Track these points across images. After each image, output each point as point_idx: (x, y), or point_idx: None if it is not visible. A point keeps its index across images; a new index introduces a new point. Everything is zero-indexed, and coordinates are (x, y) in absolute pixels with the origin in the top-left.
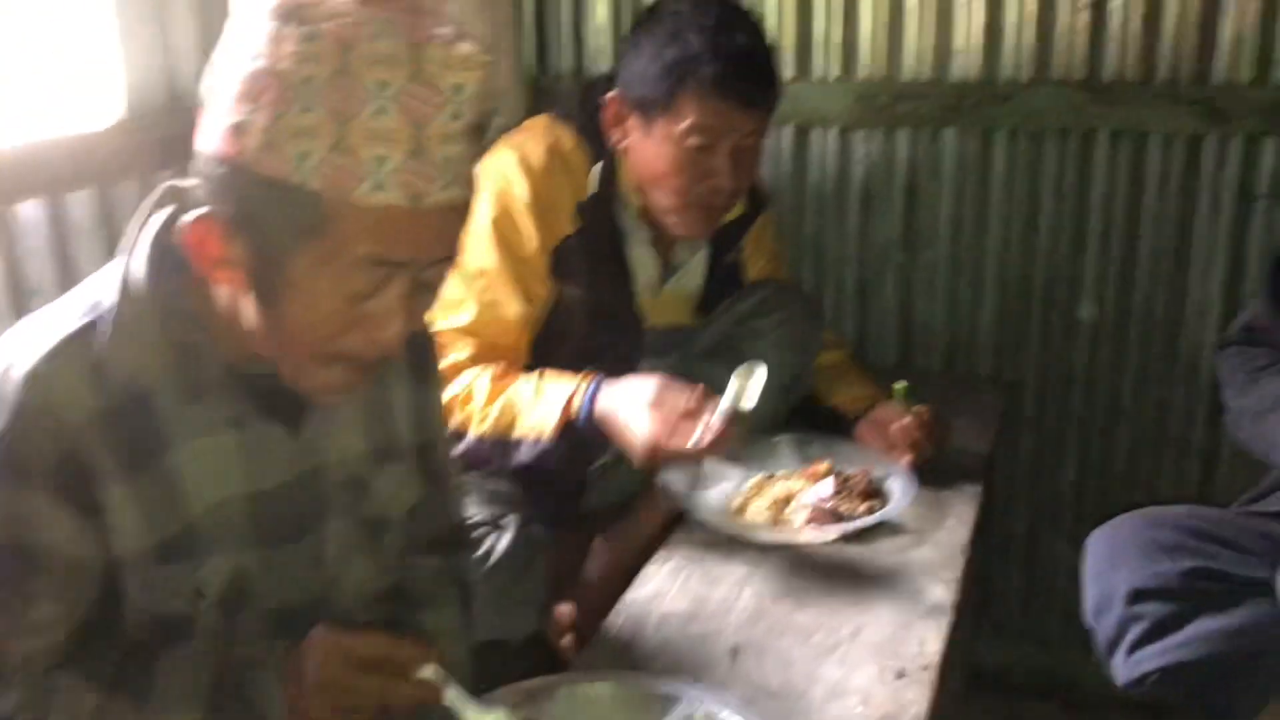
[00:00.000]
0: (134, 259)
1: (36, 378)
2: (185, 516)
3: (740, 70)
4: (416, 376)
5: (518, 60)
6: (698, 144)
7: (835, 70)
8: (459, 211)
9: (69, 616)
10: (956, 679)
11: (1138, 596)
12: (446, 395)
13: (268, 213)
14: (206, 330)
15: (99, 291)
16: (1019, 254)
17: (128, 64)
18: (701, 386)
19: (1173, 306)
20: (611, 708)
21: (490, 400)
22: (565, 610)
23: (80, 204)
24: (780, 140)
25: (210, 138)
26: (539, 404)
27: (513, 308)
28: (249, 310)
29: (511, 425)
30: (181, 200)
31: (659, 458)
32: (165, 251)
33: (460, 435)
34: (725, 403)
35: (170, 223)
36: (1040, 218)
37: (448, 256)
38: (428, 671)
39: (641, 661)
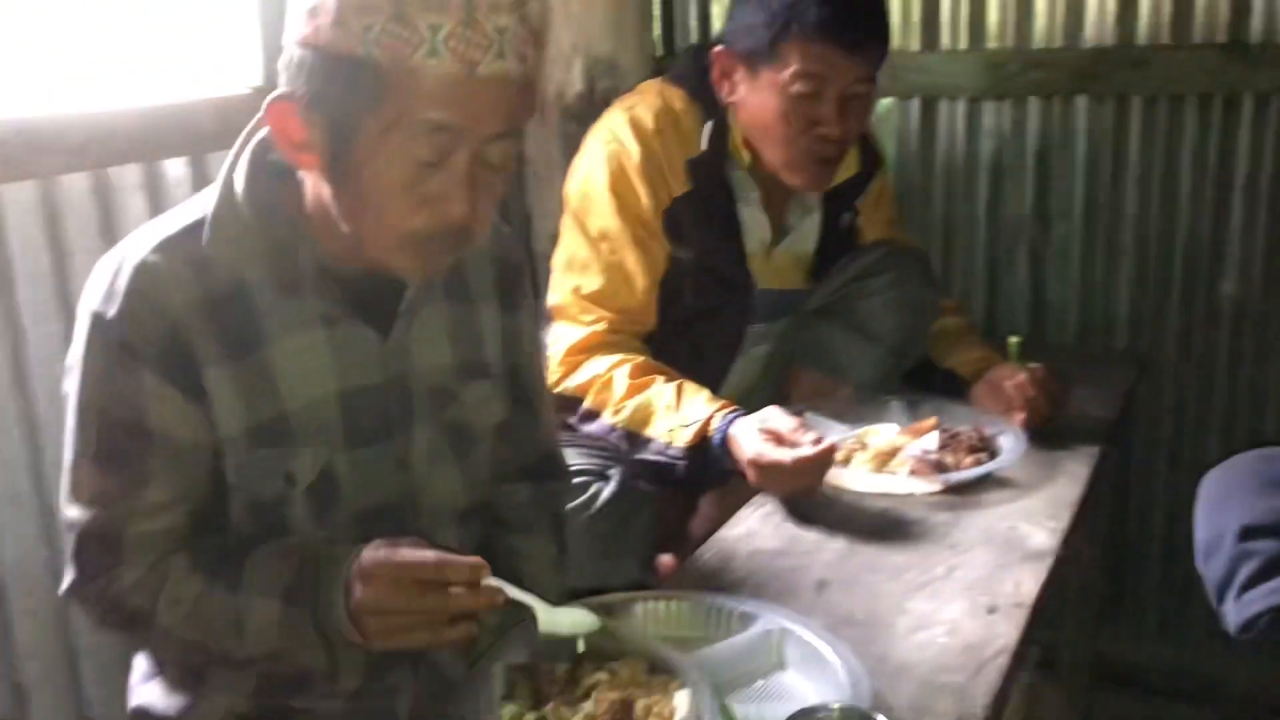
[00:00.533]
0: (236, 167)
1: (145, 266)
2: (279, 406)
3: (844, 15)
4: (505, 303)
5: (644, 38)
6: (803, 91)
7: (963, 41)
8: (514, 85)
9: (182, 500)
10: (1083, 674)
11: (1249, 534)
12: (586, 374)
13: (338, 87)
14: (300, 231)
15: (206, 198)
16: (1157, 227)
17: (264, 32)
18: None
19: None
20: (689, 623)
21: (629, 394)
22: (668, 562)
23: (221, 164)
24: (907, 114)
25: (293, 27)
26: (676, 413)
27: (638, 268)
28: (330, 192)
29: (645, 423)
30: None
31: (760, 470)
32: (264, 161)
33: (593, 416)
34: (832, 435)
35: (269, 138)
36: (1180, 188)
37: (506, 132)
38: (486, 579)
39: (726, 589)
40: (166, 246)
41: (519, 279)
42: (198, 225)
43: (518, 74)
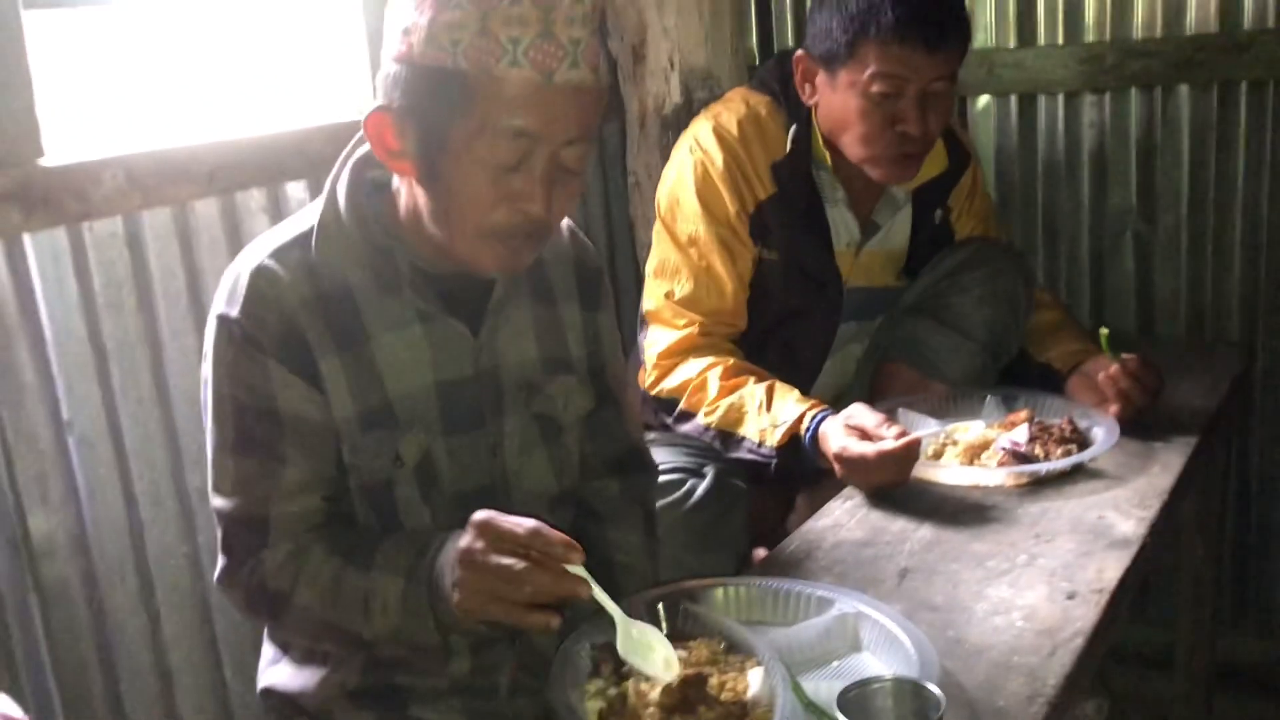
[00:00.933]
0: (339, 181)
1: (262, 270)
2: (383, 394)
3: (920, 14)
4: (586, 303)
5: (739, 43)
6: (883, 91)
7: (1060, 35)
8: (588, 94)
9: (316, 483)
10: (1203, 674)
11: None
12: (680, 377)
13: (429, 97)
14: (397, 237)
15: (313, 211)
16: (1268, 215)
17: (372, 60)
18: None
19: None
20: (769, 607)
21: (721, 395)
22: (763, 555)
23: None
24: (1004, 110)
25: (389, 46)
26: (768, 414)
27: (726, 272)
28: (421, 196)
29: (738, 423)
30: None
31: (845, 464)
32: (362, 177)
33: (688, 416)
34: (921, 430)
35: (367, 156)
36: None
37: (581, 137)
38: (577, 567)
39: (810, 577)
40: (279, 254)
41: (598, 282)
42: (306, 235)
43: (591, 83)
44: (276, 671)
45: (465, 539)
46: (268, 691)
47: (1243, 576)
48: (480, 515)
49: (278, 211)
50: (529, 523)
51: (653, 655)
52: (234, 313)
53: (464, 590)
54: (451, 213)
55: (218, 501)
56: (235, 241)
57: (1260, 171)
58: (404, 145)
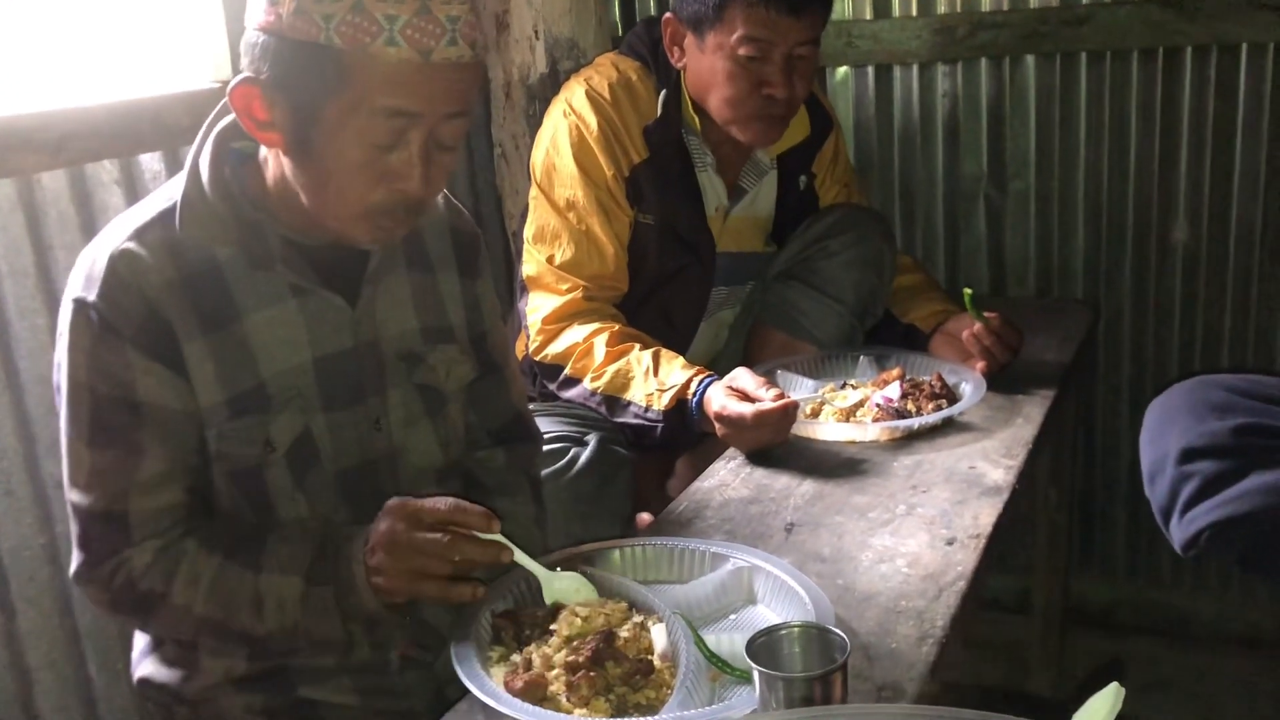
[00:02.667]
0: (201, 154)
1: (121, 253)
2: (256, 376)
3: None
4: (464, 271)
5: (603, 18)
6: (749, 54)
7: (914, 8)
8: (466, 70)
9: (177, 475)
10: (1056, 615)
11: (1189, 456)
12: (565, 343)
13: (300, 72)
14: (266, 210)
15: (173, 187)
16: (1109, 179)
17: (228, 26)
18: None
19: (1273, 226)
20: (664, 566)
21: (608, 361)
22: (646, 519)
23: None
24: (862, 81)
25: (253, 12)
26: (654, 379)
27: (605, 235)
28: (292, 169)
29: (624, 388)
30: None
31: (725, 424)
32: (226, 148)
33: (574, 382)
34: (799, 391)
35: (229, 127)
36: (1129, 141)
37: (459, 112)
38: (495, 534)
39: (700, 535)
40: (140, 233)
41: (476, 248)
42: (169, 212)
43: (469, 58)
44: (151, 663)
45: (384, 523)
46: (144, 681)
47: (1088, 524)
48: (394, 500)
49: (131, 184)
50: (448, 500)
51: (579, 596)
52: (91, 297)
53: (388, 574)
54: (327, 189)
55: (74, 495)
56: (86, 216)
57: (1100, 137)
58: (273, 117)
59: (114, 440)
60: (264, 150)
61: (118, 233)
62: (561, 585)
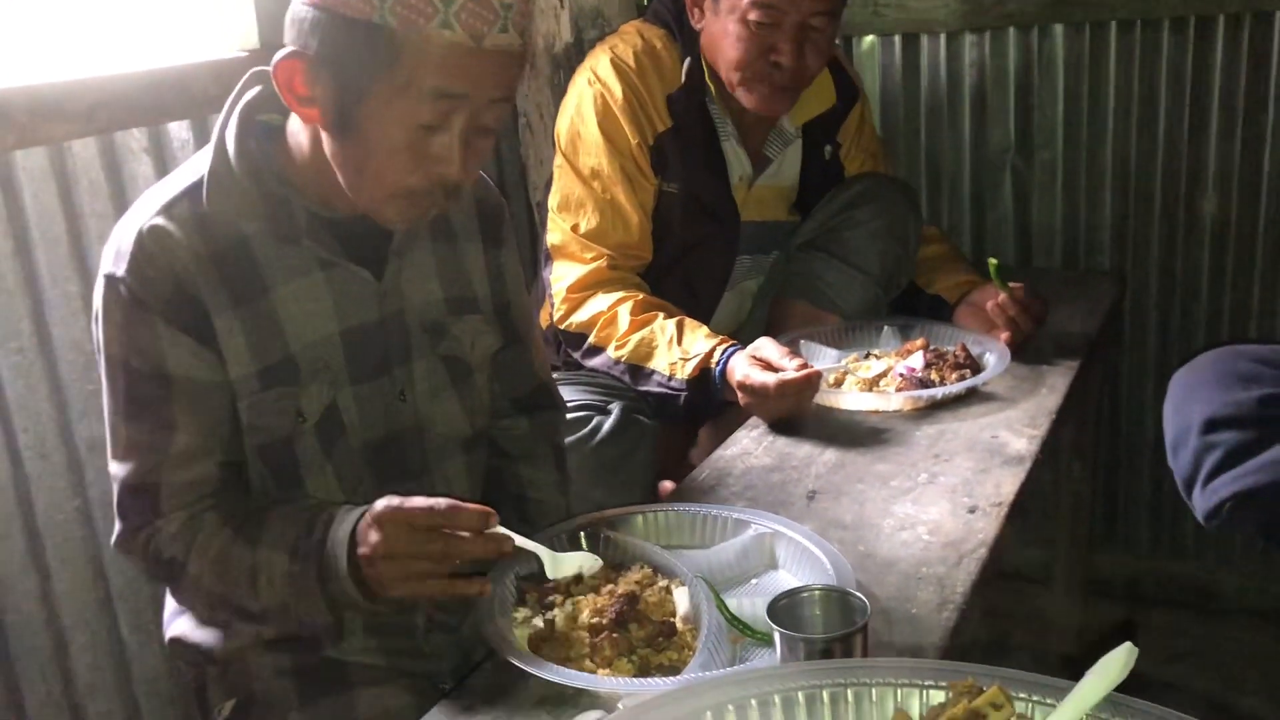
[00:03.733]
0: (228, 128)
1: (152, 229)
2: (285, 348)
3: None
4: (489, 240)
5: None
6: (759, 19)
7: None
8: (514, 57)
9: (209, 448)
10: (1077, 587)
11: (1211, 426)
12: (590, 311)
13: (350, 50)
14: (292, 183)
15: (201, 161)
16: (1137, 150)
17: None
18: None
19: None
20: (686, 532)
21: (632, 329)
22: (669, 488)
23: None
24: (889, 50)
25: None
26: (678, 348)
27: (630, 204)
28: (330, 145)
29: (648, 357)
30: (265, 81)
31: (748, 393)
32: (252, 121)
33: (598, 351)
34: (822, 361)
35: (256, 100)
36: (1158, 111)
37: (503, 98)
38: (494, 527)
39: (723, 502)
40: (168, 208)
41: (500, 218)
42: (196, 186)
43: (517, 46)
44: (182, 623)
45: (373, 535)
46: (176, 641)
47: (1111, 496)
48: (382, 506)
49: (160, 152)
50: (441, 502)
51: (581, 561)
52: (120, 272)
53: (389, 583)
54: (365, 168)
55: (112, 467)
56: (116, 184)
57: (1129, 108)
58: (315, 93)
59: (147, 414)
60: (293, 123)
61: (146, 208)
62: (567, 563)
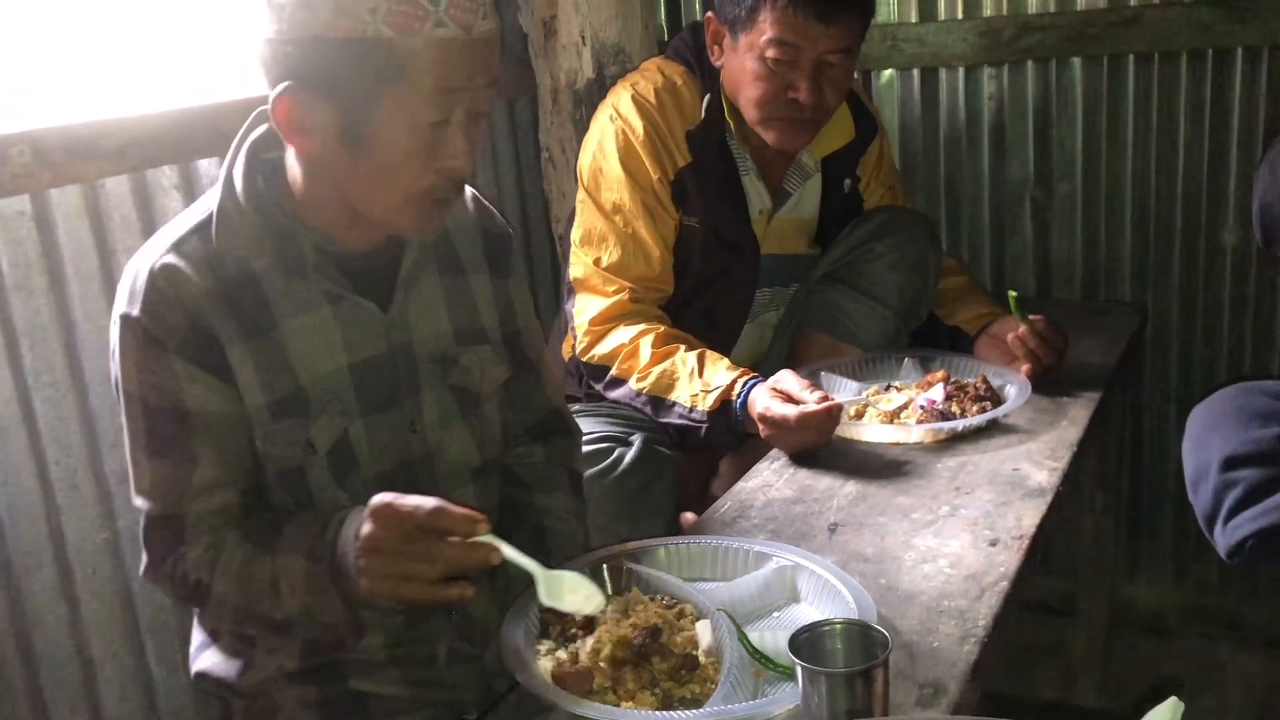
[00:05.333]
0: (235, 166)
1: (161, 268)
2: (295, 380)
3: None
4: (496, 271)
5: (649, 18)
6: (776, 57)
7: (959, 10)
8: (496, 41)
9: (231, 479)
10: (1102, 619)
11: (1231, 463)
12: (612, 343)
13: (347, 70)
14: (298, 219)
15: (209, 200)
16: (1157, 182)
17: None
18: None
19: None
20: (708, 564)
21: (653, 361)
22: (690, 519)
23: None
24: (907, 83)
25: (264, 26)
26: (699, 380)
27: (651, 238)
28: (339, 168)
29: (670, 389)
30: (270, 120)
31: (769, 425)
32: (259, 159)
33: (619, 383)
34: (843, 393)
35: (261, 139)
36: (1177, 143)
37: (493, 82)
38: (482, 535)
39: (744, 534)
40: (178, 246)
41: (506, 248)
42: (205, 223)
43: (498, 28)
44: (208, 656)
45: (365, 526)
46: (201, 675)
47: (1135, 528)
48: (377, 500)
49: (190, 189)
50: (430, 502)
51: (575, 597)
52: (135, 311)
53: (372, 577)
54: (380, 180)
55: (137, 500)
56: (147, 220)
57: (1148, 140)
58: (313, 122)
59: (168, 449)
60: (289, 159)
61: (157, 247)
62: (561, 583)
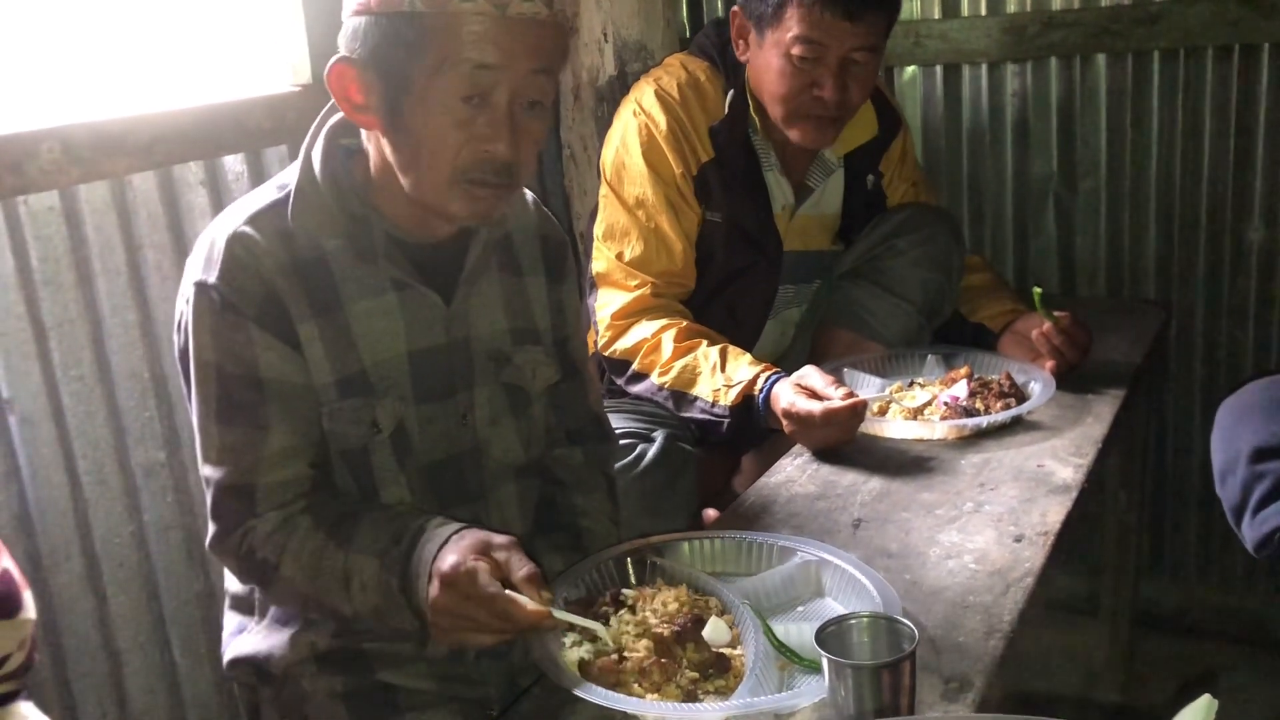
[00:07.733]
0: (314, 148)
1: (238, 236)
2: (359, 361)
3: None
4: (552, 275)
5: (672, 15)
6: (802, 54)
7: (982, 7)
8: (544, 27)
9: (302, 449)
10: (1125, 617)
11: (1260, 455)
12: (634, 338)
13: (390, 44)
14: (372, 205)
15: (288, 176)
16: (1182, 179)
17: (309, 30)
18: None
19: None
20: (733, 558)
21: (676, 356)
22: (713, 515)
23: (278, 159)
24: (930, 80)
25: (349, 1)
26: (721, 375)
27: (674, 232)
28: (389, 148)
29: (692, 384)
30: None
31: (793, 421)
32: (337, 143)
33: (641, 377)
34: (866, 390)
35: (339, 124)
36: (1202, 140)
37: (542, 70)
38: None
39: (768, 529)
40: (254, 219)
41: (564, 254)
42: (282, 201)
43: (544, 15)
44: (241, 641)
45: (434, 589)
46: (234, 663)
47: (1159, 526)
48: (449, 566)
49: (215, 185)
50: (502, 594)
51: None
52: (212, 278)
53: (441, 632)
54: (419, 159)
55: (206, 470)
56: (174, 215)
57: (1173, 136)
58: (368, 98)
59: (241, 416)
60: (365, 138)
61: (234, 217)
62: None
